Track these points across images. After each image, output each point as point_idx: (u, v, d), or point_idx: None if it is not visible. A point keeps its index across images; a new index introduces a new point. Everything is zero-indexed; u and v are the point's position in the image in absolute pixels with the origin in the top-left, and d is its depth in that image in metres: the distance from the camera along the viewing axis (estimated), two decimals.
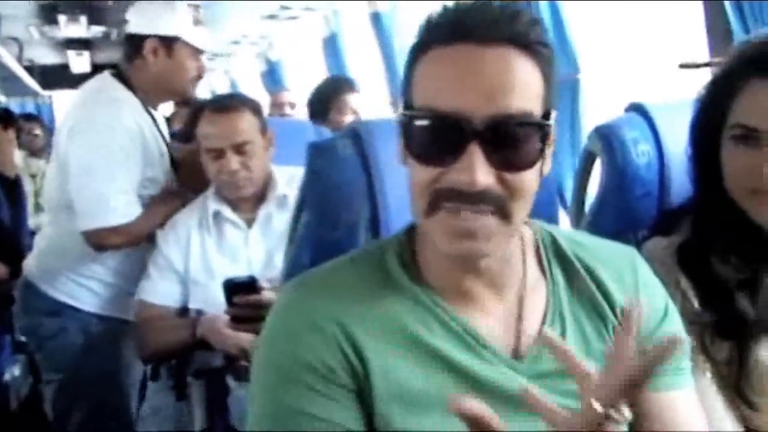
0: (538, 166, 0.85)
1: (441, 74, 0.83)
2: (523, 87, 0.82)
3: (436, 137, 0.83)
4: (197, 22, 2.23)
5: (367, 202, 1.15)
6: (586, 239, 1.02)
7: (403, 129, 0.87)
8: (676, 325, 0.99)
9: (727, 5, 1.73)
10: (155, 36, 2.16)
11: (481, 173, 0.80)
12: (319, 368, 0.86)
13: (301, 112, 4.03)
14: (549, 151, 0.88)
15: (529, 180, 0.84)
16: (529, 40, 0.83)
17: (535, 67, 0.83)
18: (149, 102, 2.22)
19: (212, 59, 6.58)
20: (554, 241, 0.99)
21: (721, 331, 1.10)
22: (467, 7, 0.85)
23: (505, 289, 0.93)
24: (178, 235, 2.00)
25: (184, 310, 1.97)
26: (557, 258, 0.98)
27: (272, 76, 5.71)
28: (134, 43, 2.17)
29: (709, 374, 1.10)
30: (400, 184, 0.94)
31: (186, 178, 2.20)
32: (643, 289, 0.98)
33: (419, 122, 0.85)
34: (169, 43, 2.17)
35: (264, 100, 3.90)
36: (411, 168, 0.87)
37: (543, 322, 0.93)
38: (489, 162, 0.81)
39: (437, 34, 0.85)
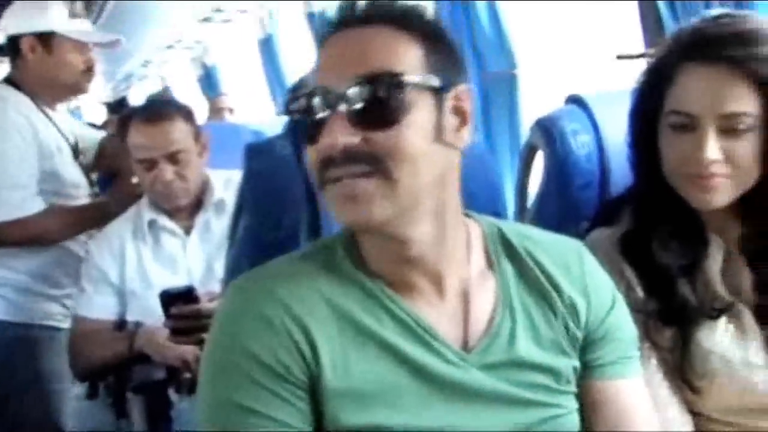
0: (415, 126, 0.86)
1: (322, 58, 0.91)
2: (387, 52, 0.87)
3: (312, 114, 0.87)
4: (74, 15, 2.21)
5: (306, 202, 1.13)
6: (533, 232, 1.04)
7: (291, 117, 0.94)
8: (623, 315, 1.01)
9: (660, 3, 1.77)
10: (30, 34, 2.13)
11: (342, 134, 0.84)
12: (272, 364, 0.85)
13: (239, 116, 4.00)
14: (462, 128, 0.91)
15: (403, 139, 0.85)
16: (400, 17, 0.89)
17: (409, 36, 0.88)
18: (43, 101, 2.17)
19: (145, 65, 6.47)
20: (502, 235, 0.99)
21: (665, 318, 1.12)
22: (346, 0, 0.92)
23: (447, 281, 0.93)
24: (111, 246, 1.94)
25: (121, 323, 1.92)
26: (506, 251, 0.98)
27: (209, 81, 5.63)
28: (12, 44, 2.15)
29: (654, 361, 1.11)
30: None
31: (105, 164, 2.17)
32: (590, 279, 0.99)
33: (301, 105, 0.89)
34: (45, 39, 2.13)
35: (202, 105, 3.86)
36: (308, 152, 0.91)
37: (493, 314, 0.94)
38: (353, 124, 0.85)
39: (328, 26, 0.92)
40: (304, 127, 0.89)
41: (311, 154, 0.89)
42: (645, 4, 1.90)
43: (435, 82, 0.88)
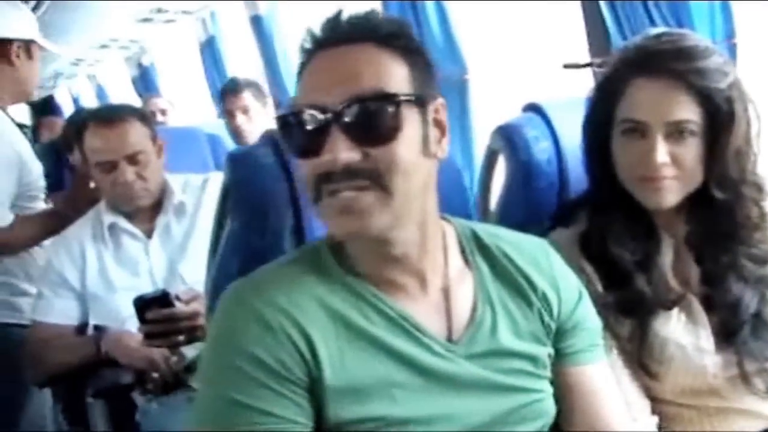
0: (407, 141, 0.91)
1: (311, 75, 0.94)
2: (377, 71, 0.91)
3: (305, 129, 0.91)
4: None
5: (290, 208, 1.17)
6: (502, 232, 1.10)
7: (281, 130, 0.95)
8: (589, 306, 1.09)
9: (604, 10, 1.86)
10: (20, 40, 2.16)
11: (343, 151, 0.88)
12: (273, 365, 0.89)
13: (175, 117, 3.93)
14: (442, 138, 0.97)
15: (398, 154, 0.90)
16: (384, 35, 0.93)
17: (394, 54, 0.93)
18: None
19: (76, 64, 6.28)
20: (475, 235, 1.06)
21: (623, 310, 1.19)
22: (332, 18, 0.95)
23: (429, 279, 0.99)
24: (71, 250, 1.92)
25: (82, 327, 1.90)
26: (480, 250, 1.05)
27: (145, 82, 5.52)
28: None
29: (615, 350, 1.18)
30: None
31: None
32: (558, 274, 1.07)
33: (292, 119, 0.93)
34: (28, 45, 2.18)
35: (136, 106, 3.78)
36: (298, 165, 0.95)
37: (474, 308, 1.00)
38: (351, 140, 0.89)
39: (315, 43, 0.95)
40: (296, 141, 0.93)
41: (305, 168, 0.92)
42: (590, 10, 1.99)
43: (420, 97, 0.93)
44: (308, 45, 0.95)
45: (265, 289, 0.93)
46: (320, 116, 0.89)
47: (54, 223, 2.08)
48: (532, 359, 1.01)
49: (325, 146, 0.89)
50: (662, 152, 1.14)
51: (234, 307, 0.93)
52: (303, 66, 0.96)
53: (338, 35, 0.94)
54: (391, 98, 0.90)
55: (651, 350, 1.19)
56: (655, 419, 1.20)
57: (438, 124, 0.97)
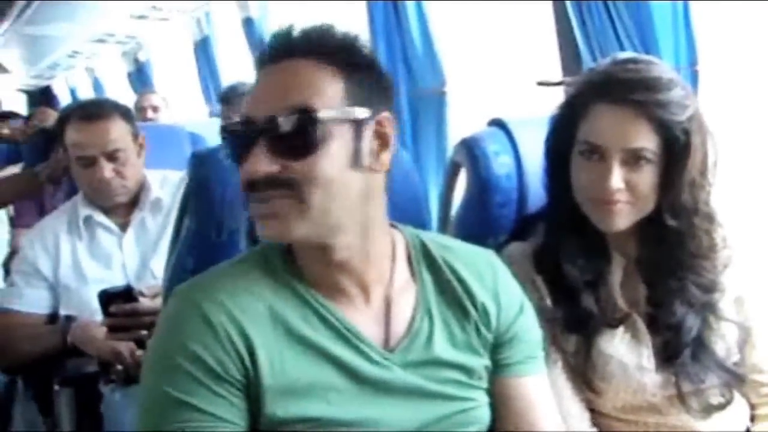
0: (330, 155, 0.93)
1: (254, 89, 0.98)
2: (305, 88, 0.94)
3: (238, 140, 0.96)
4: None
5: (244, 208, 1.19)
6: (450, 242, 1.13)
7: (223, 139, 0.99)
8: (530, 319, 1.11)
9: (577, 31, 1.91)
10: None
11: (263, 163, 0.92)
12: (210, 363, 0.91)
13: (168, 115, 3.93)
14: (383, 151, 0.98)
15: (317, 168, 0.92)
16: (327, 51, 0.95)
17: (330, 70, 0.95)
18: None
19: (73, 56, 6.30)
20: (423, 245, 1.08)
21: (570, 326, 1.22)
22: (278, 32, 0.98)
23: (372, 287, 1.01)
24: (45, 241, 1.94)
25: (53, 317, 1.92)
26: (426, 260, 1.07)
27: (140, 77, 5.54)
28: None
29: (560, 364, 1.21)
30: None
31: None
32: (501, 287, 1.09)
33: (230, 130, 0.98)
34: None
35: (132, 101, 3.79)
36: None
37: (412, 318, 1.03)
38: (272, 153, 0.92)
39: (263, 57, 0.98)
40: (231, 150, 0.97)
41: (240, 175, 0.96)
42: (563, 33, 2.03)
43: (354, 114, 0.95)
44: (260, 58, 0.98)
45: (211, 288, 0.96)
46: (248, 128, 0.94)
47: (22, 186, 2.08)
48: (467, 370, 1.04)
49: (250, 157, 0.93)
50: (617, 177, 1.16)
51: (180, 304, 0.97)
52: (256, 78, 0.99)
53: (283, 50, 0.96)
54: (312, 115, 0.92)
55: (594, 366, 1.21)
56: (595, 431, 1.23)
57: (380, 136, 0.98)
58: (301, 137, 0.92)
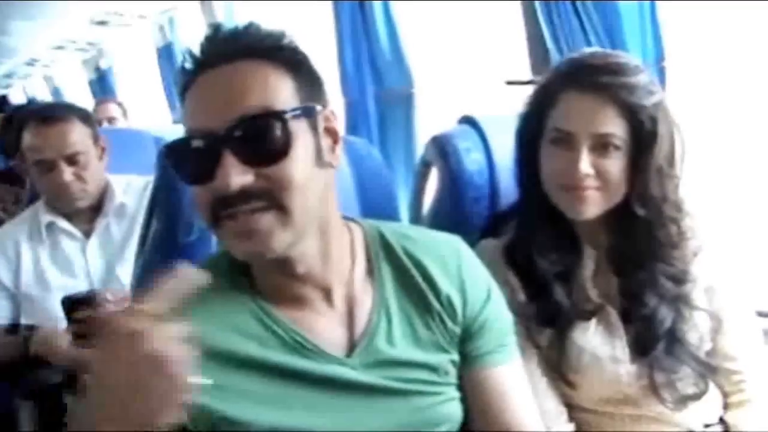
0: (300, 156, 0.89)
1: (196, 98, 0.91)
2: (262, 88, 0.89)
3: (195, 156, 0.89)
4: None
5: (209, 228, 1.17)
6: (412, 231, 1.09)
7: (168, 158, 0.94)
8: (498, 306, 1.07)
9: (545, 29, 1.92)
10: None
11: (235, 175, 0.86)
12: None
13: (126, 125, 3.84)
14: (335, 146, 0.95)
15: (291, 171, 0.88)
16: (266, 49, 0.92)
17: (278, 69, 0.91)
18: None
19: (31, 64, 6.20)
20: (382, 237, 1.04)
21: (542, 320, 1.22)
22: (210, 36, 0.93)
23: (334, 290, 0.98)
24: (5, 249, 1.90)
25: (13, 327, 1.87)
26: (385, 253, 1.03)
27: (102, 85, 5.47)
28: None
29: (535, 358, 1.21)
30: None
31: None
32: (467, 274, 1.05)
33: (181, 146, 0.91)
34: None
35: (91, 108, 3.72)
36: (192, 190, 0.92)
37: (370, 319, 0.99)
38: (243, 162, 0.87)
39: (196, 64, 0.92)
40: (187, 167, 0.91)
41: (199, 194, 0.90)
42: (531, 32, 2.05)
43: (309, 109, 0.92)
44: (189, 66, 0.92)
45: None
46: (209, 141, 0.87)
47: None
48: (431, 368, 1.00)
49: (218, 171, 0.86)
50: (586, 163, 1.17)
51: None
52: (185, 88, 0.92)
53: (219, 54, 0.91)
54: (278, 115, 0.88)
55: (569, 359, 1.21)
56: (572, 426, 1.23)
57: (330, 132, 0.95)
58: (273, 140, 0.88)
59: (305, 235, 0.92)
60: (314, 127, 0.93)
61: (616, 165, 1.18)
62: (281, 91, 0.90)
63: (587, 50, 1.28)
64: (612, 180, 1.19)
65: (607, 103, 1.17)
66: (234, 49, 0.91)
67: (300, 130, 0.90)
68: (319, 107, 0.94)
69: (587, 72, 1.19)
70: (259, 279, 0.97)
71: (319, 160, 0.93)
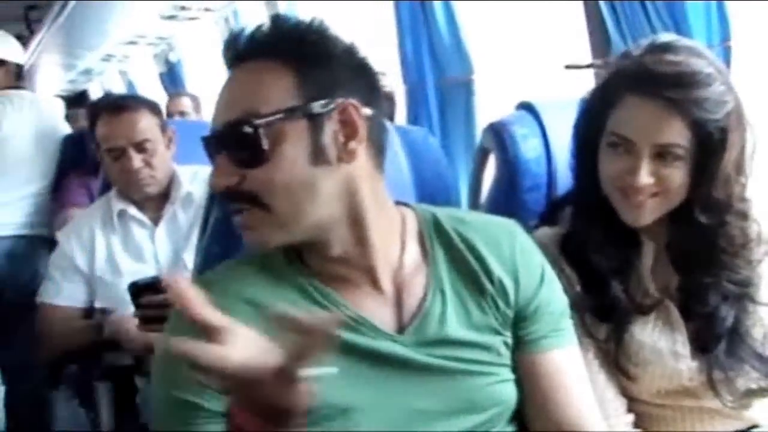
0: (287, 158, 0.90)
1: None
2: (252, 93, 0.92)
3: (208, 152, 0.96)
4: None
5: None
6: (466, 215, 1.09)
7: (206, 150, 0.98)
8: (553, 290, 1.06)
9: (605, 11, 1.88)
10: None
11: (221, 175, 0.92)
12: None
13: (198, 118, 3.92)
14: (351, 140, 0.93)
15: (275, 173, 0.90)
16: (278, 47, 0.92)
17: (279, 67, 0.92)
18: None
19: (107, 60, 6.39)
20: (436, 221, 1.04)
21: (599, 314, 1.19)
22: (229, 38, 0.96)
23: (379, 273, 0.99)
24: (80, 236, 1.99)
25: (89, 311, 1.96)
26: (439, 237, 1.03)
27: (172, 78, 5.60)
28: None
29: (592, 349, 1.19)
30: None
31: None
32: (521, 258, 1.04)
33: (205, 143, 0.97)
34: None
35: (164, 101, 3.81)
36: None
37: (424, 299, 1.00)
38: (231, 164, 0.92)
39: (226, 62, 0.97)
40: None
41: None
42: (591, 14, 2.00)
43: (309, 108, 0.91)
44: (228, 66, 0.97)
45: (213, 288, 0.89)
46: (208, 141, 0.94)
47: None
48: (485, 347, 1.00)
49: (215, 169, 0.93)
50: (645, 173, 1.13)
51: None
52: None
53: (234, 57, 0.95)
54: (259, 120, 0.90)
55: (627, 353, 1.19)
56: (631, 417, 1.21)
57: (347, 125, 0.93)
58: (254, 144, 0.90)
59: (325, 225, 0.94)
60: (317, 126, 0.92)
61: (677, 173, 1.13)
62: (275, 92, 0.92)
63: (657, 42, 1.19)
64: (672, 187, 1.14)
65: (673, 115, 1.11)
66: (242, 51, 0.94)
67: (292, 131, 0.91)
68: (325, 104, 0.92)
69: (653, 80, 1.12)
70: (308, 260, 0.99)
71: (320, 158, 0.92)
